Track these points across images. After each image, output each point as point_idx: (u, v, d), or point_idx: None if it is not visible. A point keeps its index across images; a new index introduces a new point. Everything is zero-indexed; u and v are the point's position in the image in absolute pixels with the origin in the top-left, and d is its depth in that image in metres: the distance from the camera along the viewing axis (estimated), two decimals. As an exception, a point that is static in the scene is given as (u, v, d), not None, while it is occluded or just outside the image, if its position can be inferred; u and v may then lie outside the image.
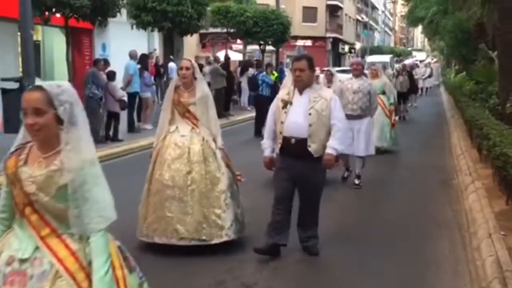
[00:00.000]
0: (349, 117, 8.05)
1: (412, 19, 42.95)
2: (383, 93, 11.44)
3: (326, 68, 12.04)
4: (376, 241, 6.36)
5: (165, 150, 5.71)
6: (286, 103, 5.52)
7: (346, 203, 8.14)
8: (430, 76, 35.05)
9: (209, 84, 19.53)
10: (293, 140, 5.41)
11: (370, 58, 48.48)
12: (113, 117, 13.39)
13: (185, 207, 5.54)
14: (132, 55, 15.16)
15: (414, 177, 10.01)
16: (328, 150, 5.39)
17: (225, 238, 5.62)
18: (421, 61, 41.40)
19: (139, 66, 15.79)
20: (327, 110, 5.43)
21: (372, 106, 8.77)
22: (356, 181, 8.84)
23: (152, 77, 16.36)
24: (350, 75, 19.41)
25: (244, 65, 22.83)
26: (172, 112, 5.85)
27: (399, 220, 7.22)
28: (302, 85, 5.50)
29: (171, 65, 18.62)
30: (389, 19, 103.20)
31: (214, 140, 5.77)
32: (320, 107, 5.41)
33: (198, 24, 17.38)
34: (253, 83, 16.00)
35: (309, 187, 5.55)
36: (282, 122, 5.45)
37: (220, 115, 12.60)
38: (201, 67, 23.25)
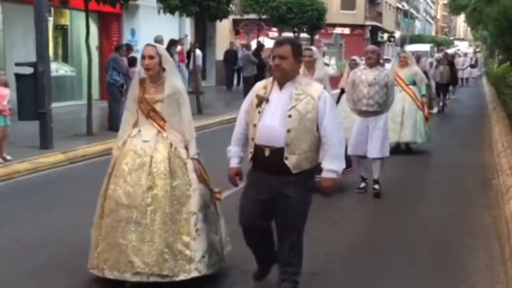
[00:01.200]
0: (363, 113, 7.54)
1: (454, 7, 41.43)
2: (414, 83, 10.57)
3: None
4: (400, 253, 5.63)
5: (122, 159, 4.53)
6: (261, 100, 4.14)
7: (368, 208, 7.38)
8: (473, 66, 33.79)
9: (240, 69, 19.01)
10: (266, 151, 4.08)
11: (409, 47, 47.25)
12: (135, 105, 12.88)
13: (143, 233, 4.37)
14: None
15: (449, 177, 9.19)
16: (325, 174, 4.13)
17: (194, 274, 4.39)
18: (465, 54, 39.98)
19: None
20: (313, 112, 4.05)
21: (388, 99, 7.67)
22: (376, 187, 7.66)
23: (179, 64, 15.75)
24: (388, 65, 17.93)
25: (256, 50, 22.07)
26: (137, 111, 4.66)
27: (428, 228, 6.46)
28: (282, 77, 4.12)
29: (198, 52, 18.01)
30: (431, 7, 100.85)
31: (186, 148, 4.56)
32: (304, 107, 4.03)
33: (228, 9, 16.73)
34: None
35: (288, 213, 4.13)
36: (254, 125, 4.14)
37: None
38: (236, 53, 22.80)
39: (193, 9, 15.67)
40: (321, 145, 4.10)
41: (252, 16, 26.33)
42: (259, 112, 4.11)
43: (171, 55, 15.93)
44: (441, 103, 18.69)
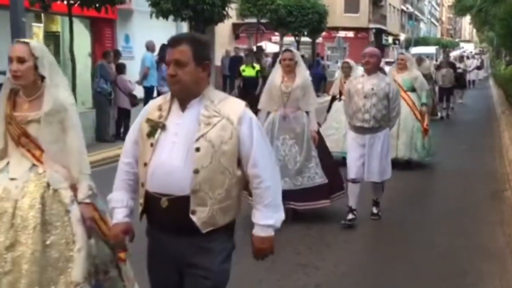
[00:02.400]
0: (358, 130, 6.29)
1: (459, 8, 40.69)
2: (413, 90, 9.40)
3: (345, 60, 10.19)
4: (403, 284, 4.93)
5: None
6: (154, 127, 2.70)
7: (365, 228, 6.58)
8: (479, 68, 33.08)
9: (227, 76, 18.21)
10: (163, 201, 2.65)
11: (414, 50, 46.70)
12: (124, 114, 12.23)
13: None
14: (148, 46, 13.99)
15: (456, 188, 8.46)
16: (259, 232, 2.77)
17: None
18: (473, 56, 39.25)
19: (157, 57, 14.72)
20: (232, 141, 2.66)
21: (391, 114, 6.32)
22: (374, 210, 6.64)
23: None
24: (387, 68, 16.84)
25: (275, 57, 21.43)
26: (5, 135, 3.36)
27: (434, 251, 5.73)
28: (182, 93, 2.71)
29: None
30: (435, 9, 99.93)
31: (74, 188, 3.29)
32: (218, 135, 2.63)
33: (224, 13, 16.07)
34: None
35: (201, 285, 2.70)
36: (145, 164, 2.70)
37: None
38: (240, 58, 22.02)
39: (186, 13, 15.06)
40: (251, 188, 2.77)
41: (252, 20, 25.72)
42: (151, 145, 2.69)
43: (164, 61, 15.36)
44: (444, 109, 17.42)
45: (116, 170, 2.87)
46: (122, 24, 19.24)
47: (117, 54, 12.80)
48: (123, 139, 12.18)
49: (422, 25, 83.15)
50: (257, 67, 15.18)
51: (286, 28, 23.41)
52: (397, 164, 8.80)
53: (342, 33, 49.30)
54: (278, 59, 6.59)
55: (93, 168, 3.41)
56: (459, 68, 21.77)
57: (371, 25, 55.45)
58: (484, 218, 6.86)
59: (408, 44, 59.87)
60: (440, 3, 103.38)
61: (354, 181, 6.32)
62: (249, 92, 13.57)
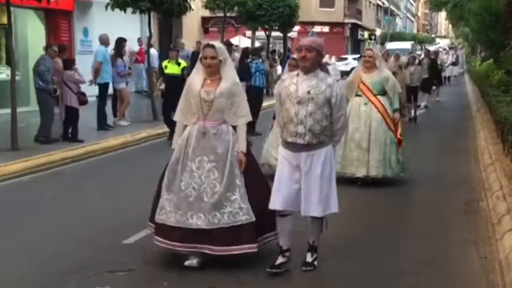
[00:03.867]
0: (290, 146, 4.77)
1: (435, 3, 40.39)
2: (383, 93, 7.95)
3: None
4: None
5: None
6: None
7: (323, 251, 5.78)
8: (454, 64, 32.56)
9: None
10: None
11: (390, 45, 46.08)
12: (72, 113, 11.24)
13: None
14: (102, 40, 13.03)
15: (426, 198, 7.61)
16: None
17: None
18: (447, 51, 38.74)
19: (112, 52, 13.72)
20: None
21: (335, 126, 4.82)
22: (309, 258, 5.00)
23: (127, 67, 14.07)
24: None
25: (245, 52, 20.50)
26: None
27: (399, 279, 4.89)
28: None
29: (152, 52, 16.31)
30: (412, 4, 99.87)
31: None
32: None
33: (186, 5, 15.12)
34: (246, 72, 13.65)
35: None
36: None
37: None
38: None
39: (144, 4, 14.08)
40: None
41: (221, 13, 24.83)
42: None
43: (120, 55, 14.53)
44: (412, 111, 15.78)
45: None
46: (80, 17, 18.23)
47: (64, 48, 11.79)
48: (71, 140, 11.49)
49: (398, 20, 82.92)
50: (183, 63, 12.29)
51: (256, 22, 22.54)
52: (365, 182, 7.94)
53: (317, 28, 48.80)
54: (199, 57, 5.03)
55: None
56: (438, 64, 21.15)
57: (347, 20, 54.96)
58: (457, 236, 6.04)
59: (384, 39, 59.41)
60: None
61: (282, 214, 4.83)
62: (172, 94, 10.41)
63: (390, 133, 7.93)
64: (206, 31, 27.50)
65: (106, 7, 14.37)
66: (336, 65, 26.48)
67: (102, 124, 12.84)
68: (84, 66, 13.10)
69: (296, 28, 45.40)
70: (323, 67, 4.83)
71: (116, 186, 8.28)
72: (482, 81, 19.63)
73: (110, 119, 13.39)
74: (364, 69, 8.13)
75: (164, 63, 12.12)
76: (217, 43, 5.07)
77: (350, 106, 7.82)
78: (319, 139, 4.73)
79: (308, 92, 4.69)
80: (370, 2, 63.94)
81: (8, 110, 10.40)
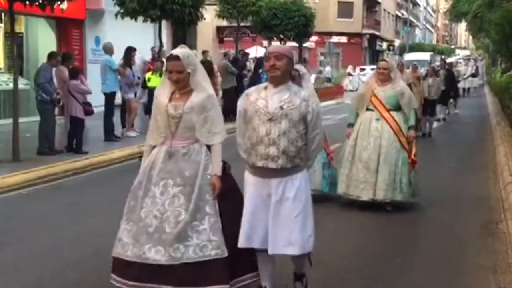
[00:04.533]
0: (260, 172, 4.02)
1: (455, 14, 39.90)
2: (398, 108, 7.24)
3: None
4: None
5: None
6: None
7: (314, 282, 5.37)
8: (473, 75, 32.01)
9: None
10: None
11: (408, 56, 45.55)
12: (76, 124, 10.95)
13: None
14: (106, 49, 12.76)
15: (440, 217, 7.13)
16: None
17: None
18: (467, 63, 38.18)
19: (121, 61, 13.48)
20: None
21: (309, 147, 4.10)
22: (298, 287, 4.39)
23: (136, 76, 13.79)
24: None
25: (258, 63, 20.15)
26: None
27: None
28: None
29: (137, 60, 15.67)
30: (431, 15, 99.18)
31: None
32: None
33: (198, 14, 14.85)
34: (255, 83, 13.28)
35: None
36: None
37: (229, 119, 8.33)
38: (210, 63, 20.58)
39: (154, 13, 13.84)
40: None
41: (242, 23, 24.57)
42: None
43: (129, 65, 14.26)
44: (428, 125, 14.91)
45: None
46: (92, 25, 18.05)
47: (69, 56, 11.52)
48: (75, 152, 11.19)
49: (417, 31, 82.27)
50: None
51: (271, 31, 22.22)
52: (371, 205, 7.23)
53: (335, 39, 48.42)
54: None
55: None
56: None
57: (365, 31, 54.58)
58: (473, 262, 5.58)
59: (403, 50, 58.85)
60: (436, 9, 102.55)
61: (260, 251, 4.10)
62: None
63: (403, 153, 7.17)
64: (221, 40, 27.23)
65: (116, 15, 14.15)
66: (315, 76, 25.83)
67: (109, 135, 12.55)
68: (95, 75, 12.90)
69: (314, 38, 45.50)
70: (295, 79, 4.31)
71: (115, 201, 7.87)
72: (502, 93, 19.08)
73: (118, 130, 13.11)
74: (377, 81, 7.37)
75: (148, 75, 11.44)
76: (183, 52, 4.14)
77: (360, 122, 7.33)
78: (294, 162, 3.97)
79: (281, 108, 3.93)
80: (388, 12, 63.47)
81: (19, 120, 10.14)
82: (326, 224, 6.60)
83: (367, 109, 7.34)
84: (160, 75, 10.93)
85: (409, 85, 13.44)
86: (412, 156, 7.15)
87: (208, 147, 4.22)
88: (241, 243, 4.03)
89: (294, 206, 3.97)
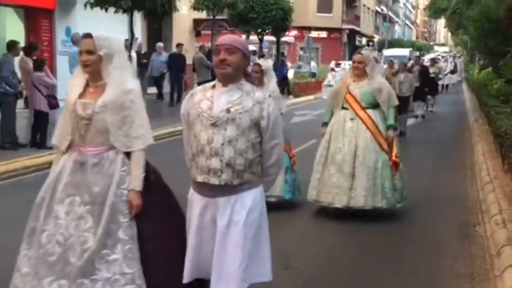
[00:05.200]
0: (201, 188, 3.25)
1: (434, 11, 39.93)
2: (375, 106, 6.60)
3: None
4: None
5: None
6: None
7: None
8: (452, 72, 31.96)
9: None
10: None
11: (387, 52, 45.38)
12: (40, 117, 10.46)
13: None
14: (74, 40, 12.28)
15: (415, 219, 6.79)
16: None
17: None
18: (446, 59, 38.11)
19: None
20: None
21: (266, 161, 3.31)
22: None
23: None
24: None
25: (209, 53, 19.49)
26: None
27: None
28: None
29: (133, 55, 15.40)
30: (410, 11, 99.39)
31: None
32: None
33: (171, 5, 14.41)
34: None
35: None
36: None
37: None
38: (183, 57, 19.88)
39: (125, 3, 13.38)
40: None
41: (218, 16, 24.08)
42: None
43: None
44: (404, 123, 14.09)
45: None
46: (62, 16, 17.41)
47: (34, 46, 11.01)
48: (39, 147, 10.70)
49: (396, 27, 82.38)
50: None
51: (248, 25, 21.81)
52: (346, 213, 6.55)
53: (314, 33, 48.15)
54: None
55: None
56: (433, 73, 20.42)
57: (344, 26, 54.39)
58: (450, 269, 5.26)
59: (382, 46, 58.78)
60: (415, 5, 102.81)
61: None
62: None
63: (383, 155, 6.48)
64: (198, 33, 26.64)
65: (86, 5, 13.66)
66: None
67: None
68: (65, 67, 12.42)
69: (294, 33, 45.17)
70: (250, 77, 3.37)
71: None
72: (480, 90, 18.94)
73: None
74: (353, 76, 6.72)
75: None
76: (103, 34, 3.45)
77: (334, 121, 6.70)
78: (243, 178, 3.19)
79: (227, 110, 3.18)
80: (368, 8, 63.39)
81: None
82: (294, 229, 6.30)
83: (342, 108, 6.71)
84: None
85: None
86: (394, 157, 6.49)
87: (128, 155, 3.44)
88: (187, 276, 3.29)
89: (244, 232, 3.17)
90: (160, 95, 18.75)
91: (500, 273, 4.76)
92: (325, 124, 6.82)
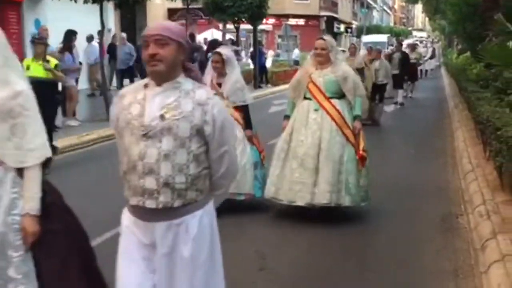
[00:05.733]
0: (137, 212, 2.68)
1: (411, -4, 39.74)
2: (340, 96, 6.02)
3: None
4: None
5: None
6: None
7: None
8: (431, 57, 31.88)
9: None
10: None
11: (366, 38, 45.32)
12: None
13: None
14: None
15: (395, 212, 6.50)
16: None
17: None
18: (425, 44, 38.05)
19: (60, 46, 12.71)
20: None
21: (216, 171, 2.73)
22: None
23: (77, 61, 13.00)
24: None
25: (211, 46, 19.22)
26: None
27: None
28: None
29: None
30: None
31: None
32: None
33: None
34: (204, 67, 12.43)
35: None
36: None
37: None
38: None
39: (95, -8, 12.90)
40: None
41: (194, 5, 23.61)
42: None
43: (69, 49, 13.37)
44: (375, 112, 13.52)
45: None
46: (31, 7, 16.89)
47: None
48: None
49: (374, 13, 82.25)
50: (53, 61, 9.11)
51: (223, 13, 21.37)
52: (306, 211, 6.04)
53: (292, 21, 47.85)
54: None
55: None
56: (414, 59, 20.17)
57: (322, 13, 54.07)
58: (432, 265, 5.01)
59: (360, 32, 58.60)
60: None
61: None
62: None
63: (349, 148, 5.94)
64: (173, 23, 26.17)
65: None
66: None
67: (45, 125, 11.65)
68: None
69: (272, 21, 44.75)
70: (192, 72, 2.72)
71: None
72: (459, 74, 18.77)
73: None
74: (315, 64, 6.11)
75: (26, 61, 8.87)
76: None
77: (296, 113, 6.12)
78: (186, 198, 2.64)
79: (161, 117, 2.59)
80: (346, -6, 63.14)
81: None
82: (269, 229, 6.00)
83: (305, 98, 6.10)
84: (45, 61, 8.84)
85: (362, 69, 12.78)
86: (361, 151, 5.91)
87: (19, 172, 2.84)
88: None
89: (191, 263, 2.65)
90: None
91: (485, 269, 4.51)
92: (287, 117, 6.21)
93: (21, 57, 15.37)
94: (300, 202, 5.91)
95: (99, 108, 14.83)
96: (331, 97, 6.00)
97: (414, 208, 6.72)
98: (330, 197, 5.83)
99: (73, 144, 10.71)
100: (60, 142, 10.48)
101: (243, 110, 6.19)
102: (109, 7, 18.49)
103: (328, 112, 5.95)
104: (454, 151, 9.98)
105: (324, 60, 6.03)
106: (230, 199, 5.99)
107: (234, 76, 6.15)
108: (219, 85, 6.11)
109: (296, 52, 35.87)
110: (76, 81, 13.15)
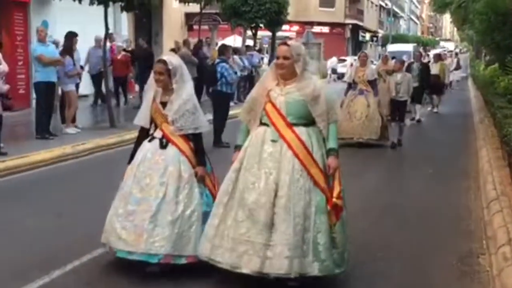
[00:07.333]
0: None
1: (439, 5, 38.65)
2: (308, 123, 4.41)
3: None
4: None
5: None
6: None
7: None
8: (456, 68, 30.84)
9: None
10: None
11: (391, 47, 44.19)
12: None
13: None
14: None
15: (408, 247, 5.60)
16: None
17: None
18: (451, 55, 37.00)
19: (60, 49, 12.13)
20: None
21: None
22: None
23: (78, 65, 12.39)
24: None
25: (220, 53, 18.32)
26: None
27: None
28: None
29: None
30: (416, 6, 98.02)
31: None
32: None
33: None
34: (211, 75, 11.69)
35: None
36: None
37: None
38: (149, 53, 18.24)
39: (104, -4, 12.25)
40: None
41: (210, 10, 22.94)
42: None
43: (70, 52, 12.72)
44: (398, 132, 11.70)
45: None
46: (38, 8, 16.32)
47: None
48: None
49: (401, 22, 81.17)
50: None
51: (240, 18, 20.65)
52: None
53: (317, 28, 47.11)
54: None
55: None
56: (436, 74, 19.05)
57: (348, 21, 53.35)
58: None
59: (386, 41, 57.59)
60: (421, 0, 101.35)
61: None
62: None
63: (318, 195, 4.25)
64: (190, 28, 25.49)
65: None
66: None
67: (41, 132, 11.01)
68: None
69: (295, 28, 43.98)
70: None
71: (23, 217, 6.38)
72: (486, 87, 17.77)
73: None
74: (276, 78, 4.50)
75: None
76: None
77: (248, 144, 4.49)
78: None
79: None
80: (372, 2, 62.18)
81: None
82: None
83: (261, 123, 4.49)
84: None
85: (375, 80, 11.58)
86: (334, 199, 4.24)
87: None
88: None
89: None
90: (97, 97, 16.38)
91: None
92: (238, 147, 4.58)
93: (27, 59, 14.91)
94: (246, 269, 4.19)
95: (102, 115, 14.20)
96: (295, 124, 4.36)
97: (426, 243, 5.78)
98: (290, 264, 4.12)
99: (64, 154, 9.99)
100: (49, 152, 9.80)
101: (195, 139, 4.77)
102: (123, 12, 17.91)
103: (289, 145, 4.30)
104: (477, 173, 9.02)
105: (286, 72, 4.39)
106: (166, 263, 4.51)
107: (185, 93, 4.70)
108: (164, 104, 4.72)
109: (334, 60, 35.16)
110: (77, 86, 12.49)
